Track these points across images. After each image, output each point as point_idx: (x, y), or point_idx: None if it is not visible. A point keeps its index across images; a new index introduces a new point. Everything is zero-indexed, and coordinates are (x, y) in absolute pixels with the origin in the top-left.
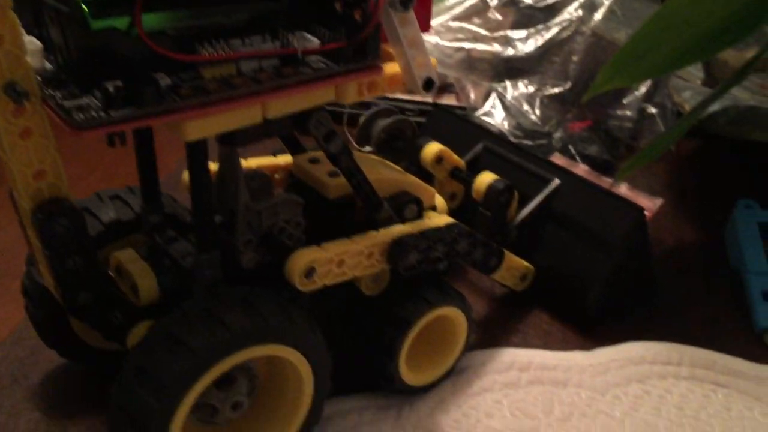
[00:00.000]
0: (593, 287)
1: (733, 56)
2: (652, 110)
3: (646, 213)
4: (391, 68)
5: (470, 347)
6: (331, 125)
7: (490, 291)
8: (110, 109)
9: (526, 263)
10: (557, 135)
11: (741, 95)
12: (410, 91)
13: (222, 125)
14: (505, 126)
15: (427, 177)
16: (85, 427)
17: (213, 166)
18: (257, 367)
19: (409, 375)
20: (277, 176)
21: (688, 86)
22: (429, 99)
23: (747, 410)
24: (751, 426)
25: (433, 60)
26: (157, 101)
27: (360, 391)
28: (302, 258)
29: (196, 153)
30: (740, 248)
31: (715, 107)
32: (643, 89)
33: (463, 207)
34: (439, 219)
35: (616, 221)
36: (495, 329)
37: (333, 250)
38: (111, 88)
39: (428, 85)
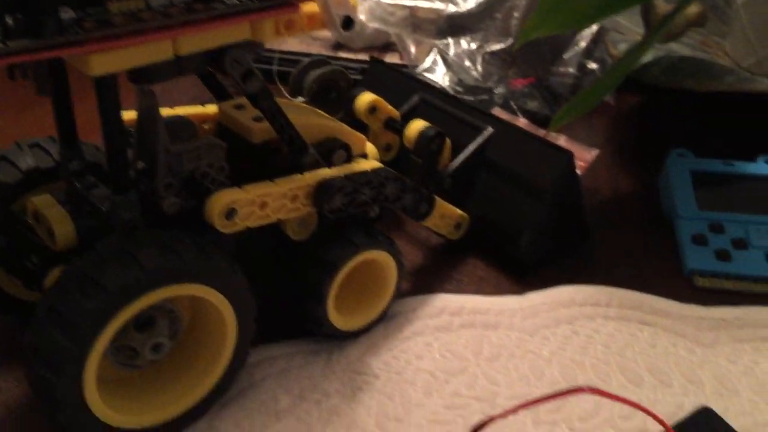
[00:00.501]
0: (525, 233)
1: (668, 8)
2: (593, 65)
3: (581, 163)
4: (310, 7)
5: (403, 294)
6: (250, 65)
7: (426, 240)
8: (8, 39)
9: (460, 212)
10: (499, 91)
11: (681, 51)
12: (337, 42)
13: (130, 60)
14: (447, 82)
15: (362, 129)
16: (13, 380)
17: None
18: (180, 310)
19: (338, 319)
20: (206, 126)
21: (626, 39)
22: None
23: (671, 346)
24: (675, 360)
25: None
26: (58, 33)
27: (290, 337)
28: (221, 198)
29: (105, 90)
30: (672, 195)
31: (648, 58)
32: (583, 44)
33: (399, 158)
34: (367, 164)
35: (546, 166)
36: (429, 277)
37: (254, 191)
38: (9, 20)
39: (347, 24)
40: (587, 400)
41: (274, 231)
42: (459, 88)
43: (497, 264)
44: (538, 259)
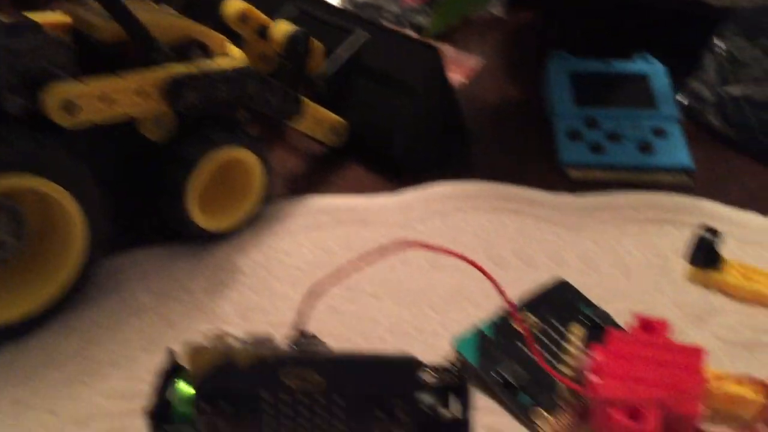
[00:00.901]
0: (399, 132)
1: None
2: None
3: (466, 71)
4: None
5: (278, 198)
6: None
7: (307, 149)
8: None
9: (336, 117)
10: (391, 9)
11: None
12: None
13: None
14: (338, 0)
15: (237, 40)
16: None
17: None
18: (25, 209)
19: (203, 219)
20: (62, 35)
21: None
22: None
23: (539, 232)
24: (541, 244)
25: None
26: None
27: (156, 241)
28: (57, 90)
29: None
30: (551, 94)
31: None
32: None
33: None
34: (226, 61)
35: (415, 64)
36: (307, 183)
37: (96, 84)
38: None
39: None
40: (449, 282)
41: (133, 132)
42: (350, 7)
43: (376, 169)
44: (416, 161)
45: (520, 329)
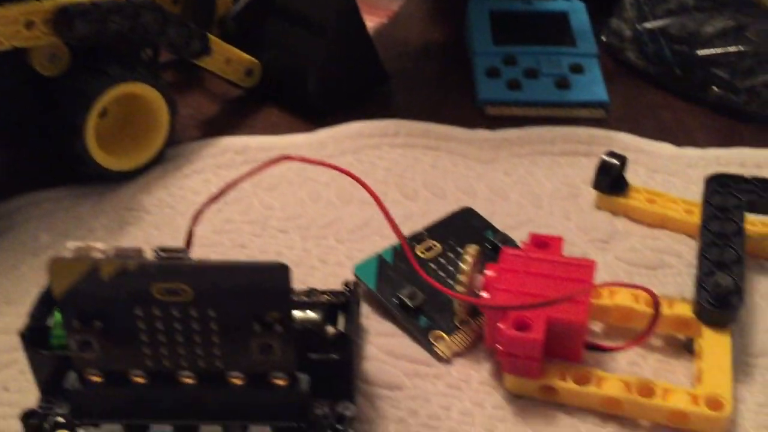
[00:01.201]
0: (311, 71)
1: None
2: None
3: (385, 12)
4: None
5: (190, 140)
6: None
7: (224, 94)
8: None
9: (249, 57)
10: None
11: None
12: None
13: None
14: None
15: None
16: None
17: None
18: None
19: (105, 158)
20: None
21: None
22: None
23: (452, 165)
24: (452, 177)
25: None
26: None
27: (59, 183)
28: None
29: None
30: (470, 33)
31: None
32: None
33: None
34: None
35: (327, 4)
36: (222, 125)
37: None
38: None
39: None
40: (358, 216)
41: (25, 67)
42: None
43: (292, 110)
44: (329, 101)
45: (408, 256)
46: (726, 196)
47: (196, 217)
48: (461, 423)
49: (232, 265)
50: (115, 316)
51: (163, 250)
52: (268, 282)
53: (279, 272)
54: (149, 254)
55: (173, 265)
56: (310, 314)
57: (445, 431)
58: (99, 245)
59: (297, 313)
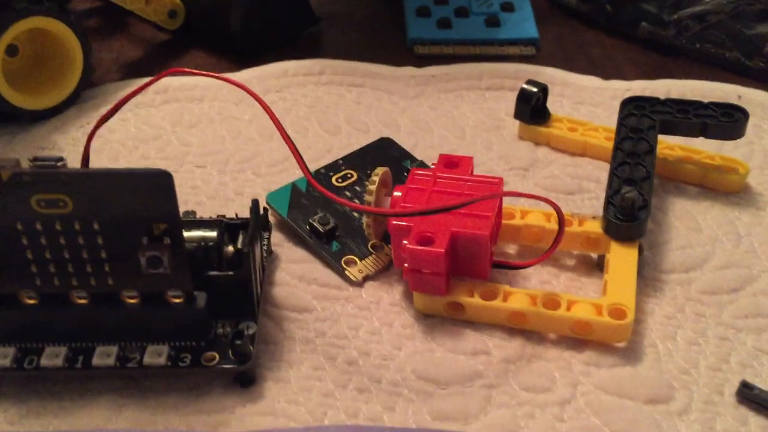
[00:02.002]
0: (236, 12)
1: None
2: None
3: None
4: None
5: (111, 82)
6: None
7: (152, 39)
8: None
9: None
10: None
11: None
12: None
13: None
14: None
15: None
16: None
17: None
18: None
19: (18, 97)
20: None
21: None
22: None
23: (376, 101)
24: (376, 112)
25: None
26: None
27: None
28: None
29: None
30: None
31: None
32: None
33: None
34: None
35: None
36: (146, 68)
37: None
38: None
39: None
40: (277, 151)
41: None
42: None
43: (218, 52)
44: (256, 42)
45: (314, 186)
46: (641, 118)
47: (90, 137)
48: (369, 342)
49: (110, 172)
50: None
51: (39, 159)
52: (150, 190)
53: (160, 179)
54: (25, 165)
55: (49, 173)
56: (208, 233)
57: (353, 350)
58: None
59: (194, 232)
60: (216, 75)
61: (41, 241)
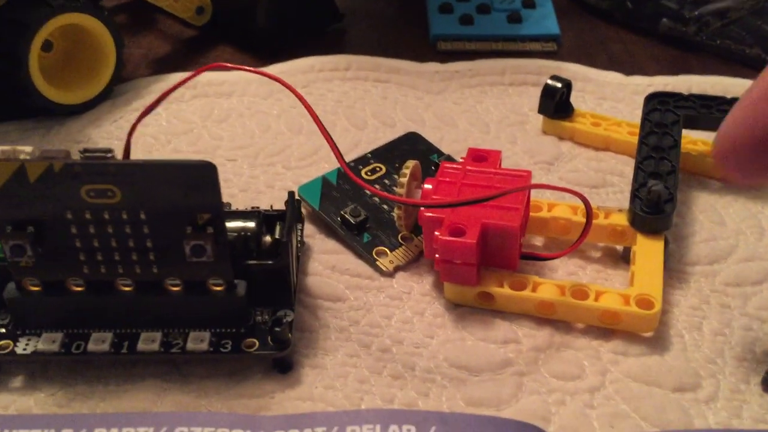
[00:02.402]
0: (261, 8)
1: None
2: None
3: None
4: None
5: (141, 78)
6: None
7: (179, 34)
8: None
9: None
10: None
11: None
12: None
13: None
14: None
15: None
16: None
17: None
18: None
19: (53, 92)
20: None
21: None
22: None
23: (402, 96)
24: (402, 107)
25: None
26: None
27: (6, 118)
28: None
29: None
30: None
31: None
32: None
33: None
34: None
35: None
36: (174, 64)
37: None
38: None
39: None
40: (306, 145)
41: None
42: None
43: (244, 48)
44: (281, 38)
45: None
46: (665, 113)
47: (132, 131)
48: (401, 330)
49: (157, 163)
50: (47, 221)
51: (89, 150)
52: (195, 181)
53: (205, 170)
54: (77, 157)
55: (98, 164)
56: (247, 223)
57: (386, 338)
58: (26, 148)
59: (234, 223)
60: (253, 69)
61: (90, 230)
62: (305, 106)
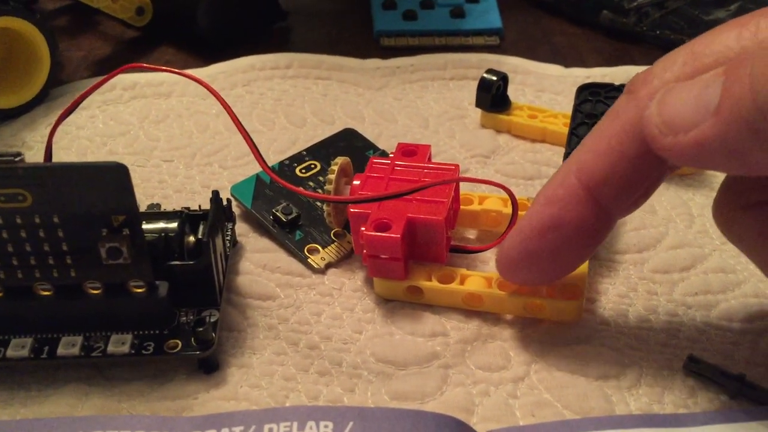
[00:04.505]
0: (202, 7)
1: None
2: None
3: None
4: None
5: (80, 80)
6: None
7: (120, 35)
8: None
9: None
10: None
11: None
12: None
13: None
14: None
15: None
16: None
17: None
18: None
19: None
20: None
21: None
22: None
23: (342, 94)
24: (342, 104)
25: None
26: None
27: None
28: None
29: None
30: None
31: None
32: None
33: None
34: None
35: None
36: (112, 65)
37: None
38: None
39: None
40: (244, 144)
41: None
42: None
43: (186, 48)
44: (223, 37)
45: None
46: (596, 104)
47: (51, 133)
48: (330, 327)
49: (66, 165)
50: None
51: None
52: (107, 183)
53: (116, 172)
54: None
55: (6, 168)
56: (169, 224)
57: (314, 335)
58: None
59: (155, 224)
60: (172, 70)
61: (2, 235)
62: (223, 106)
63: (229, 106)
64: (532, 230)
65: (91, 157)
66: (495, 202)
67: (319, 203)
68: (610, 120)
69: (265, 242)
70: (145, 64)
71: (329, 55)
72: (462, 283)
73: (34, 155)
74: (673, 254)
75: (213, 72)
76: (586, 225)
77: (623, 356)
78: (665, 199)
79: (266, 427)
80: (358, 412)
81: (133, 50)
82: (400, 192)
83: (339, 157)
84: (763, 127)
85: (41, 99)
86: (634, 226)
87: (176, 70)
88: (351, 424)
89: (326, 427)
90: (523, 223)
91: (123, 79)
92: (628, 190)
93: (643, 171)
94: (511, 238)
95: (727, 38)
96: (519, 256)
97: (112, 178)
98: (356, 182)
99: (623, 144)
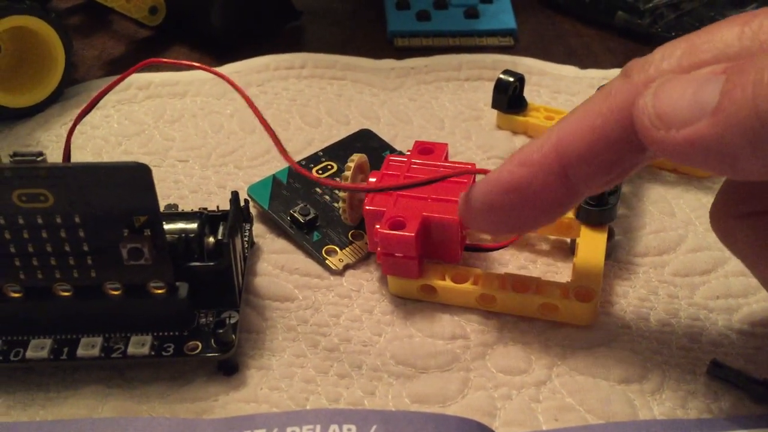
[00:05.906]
0: (215, 6)
1: None
2: None
3: None
4: None
5: (93, 79)
6: None
7: (134, 35)
8: None
9: None
10: None
11: None
12: None
13: None
14: None
15: None
16: None
17: None
18: None
19: (2, 96)
20: None
21: None
22: None
23: (357, 94)
24: (357, 104)
25: None
26: None
27: None
28: None
29: None
30: None
31: None
32: None
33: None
34: None
35: None
36: (126, 65)
37: None
38: None
39: None
40: (259, 144)
41: None
42: None
43: (199, 47)
44: (238, 36)
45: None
46: None
47: (70, 133)
48: (349, 329)
49: (89, 165)
50: None
51: (18, 154)
52: (129, 183)
53: (138, 172)
54: (6, 161)
55: (29, 168)
56: (189, 225)
57: (334, 337)
58: None
59: (175, 225)
60: (192, 64)
61: (24, 235)
62: (248, 103)
63: (251, 101)
64: (497, 185)
65: (106, 157)
66: None
67: (336, 204)
68: (602, 98)
69: (282, 243)
70: (164, 59)
71: (342, 55)
72: (476, 283)
73: (50, 155)
74: (693, 257)
75: (227, 71)
76: (551, 196)
77: (645, 360)
78: (684, 201)
79: (288, 429)
80: (381, 416)
81: (146, 50)
82: (418, 182)
83: (355, 154)
84: (761, 136)
85: (56, 98)
86: (654, 229)
87: (199, 65)
88: (374, 427)
89: (349, 430)
90: (492, 177)
91: (137, 79)
92: (601, 173)
93: (620, 156)
94: (477, 187)
95: (728, 35)
96: (480, 206)
97: (135, 179)
98: (372, 179)
99: (607, 125)
